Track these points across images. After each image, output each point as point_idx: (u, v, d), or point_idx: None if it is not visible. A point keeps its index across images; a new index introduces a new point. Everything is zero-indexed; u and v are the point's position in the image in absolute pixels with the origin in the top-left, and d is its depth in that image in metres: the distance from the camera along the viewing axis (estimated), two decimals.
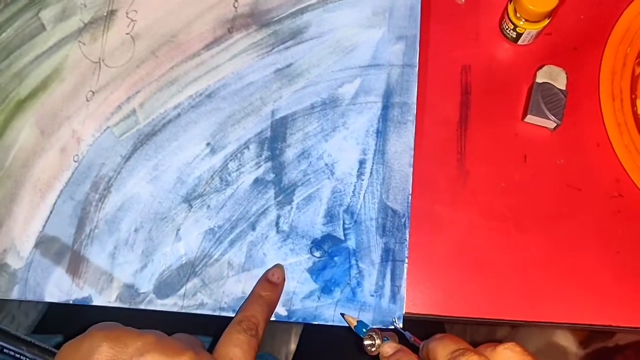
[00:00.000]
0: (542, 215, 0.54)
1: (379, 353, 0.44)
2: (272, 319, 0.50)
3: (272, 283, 0.50)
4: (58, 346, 0.39)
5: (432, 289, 0.53)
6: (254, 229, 0.52)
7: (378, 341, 0.44)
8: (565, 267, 0.52)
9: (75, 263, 0.52)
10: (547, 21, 0.55)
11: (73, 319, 0.52)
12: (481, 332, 1.09)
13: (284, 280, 0.51)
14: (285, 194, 0.53)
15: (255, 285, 0.50)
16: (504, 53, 0.59)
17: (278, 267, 0.51)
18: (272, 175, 0.53)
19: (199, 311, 0.51)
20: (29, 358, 0.43)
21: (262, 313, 0.46)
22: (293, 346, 1.10)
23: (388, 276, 0.51)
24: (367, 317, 0.50)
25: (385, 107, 0.54)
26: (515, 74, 0.58)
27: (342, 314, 0.50)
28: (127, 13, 0.57)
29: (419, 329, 0.46)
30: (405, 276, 0.51)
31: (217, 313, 0.51)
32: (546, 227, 0.54)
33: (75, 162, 0.54)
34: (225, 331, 0.43)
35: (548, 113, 0.55)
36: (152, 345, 0.37)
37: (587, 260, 0.52)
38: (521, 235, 0.54)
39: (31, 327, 0.82)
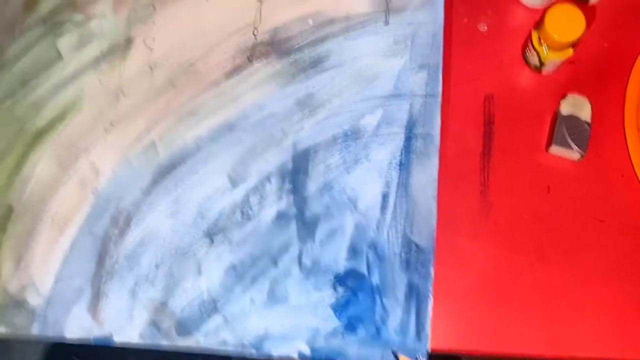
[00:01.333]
0: (566, 247, 0.54)
1: None
2: (295, 357, 0.50)
3: None
4: None
5: (456, 324, 0.52)
6: (276, 264, 0.51)
7: None
8: (590, 300, 0.52)
9: (95, 299, 0.52)
10: (571, 50, 0.54)
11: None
12: None
13: None
14: (307, 228, 0.52)
15: None
16: (527, 81, 0.58)
17: None
18: (294, 209, 0.52)
19: (220, 348, 0.50)
20: None
21: None
22: None
23: (412, 312, 0.50)
24: (390, 355, 0.49)
25: (408, 139, 0.53)
26: (539, 103, 0.57)
27: (394, 353, 0.49)
28: (144, 41, 0.56)
29: None
30: (430, 312, 0.50)
31: (239, 350, 0.50)
32: (570, 259, 0.53)
33: (94, 195, 0.53)
34: None
35: (572, 144, 0.54)
36: None
37: (612, 293, 0.52)
38: (545, 267, 0.53)
39: None
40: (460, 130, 0.56)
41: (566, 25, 0.51)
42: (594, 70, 0.57)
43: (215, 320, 0.51)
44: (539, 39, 0.54)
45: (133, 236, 0.53)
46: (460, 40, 0.59)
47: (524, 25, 0.59)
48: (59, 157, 0.55)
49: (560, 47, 0.53)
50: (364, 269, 0.51)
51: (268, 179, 0.53)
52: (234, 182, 0.53)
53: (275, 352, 0.50)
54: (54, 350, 0.79)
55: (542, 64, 0.56)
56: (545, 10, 0.52)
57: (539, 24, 0.54)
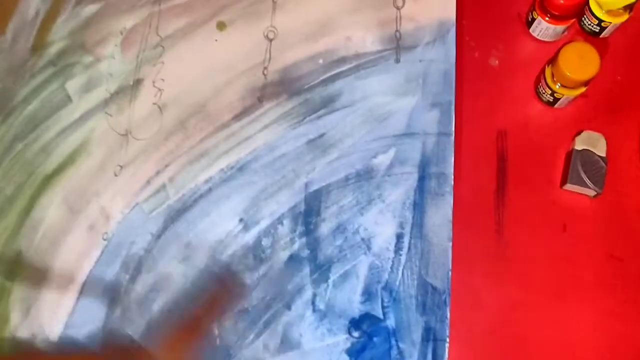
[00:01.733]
0: (585, 287, 0.53)
1: None
2: None
3: None
4: None
5: None
6: (289, 308, 0.51)
7: None
8: (612, 340, 0.51)
9: (107, 347, 0.51)
10: (584, 88, 0.54)
11: None
12: None
13: None
14: (321, 271, 0.51)
15: None
16: (540, 116, 0.57)
17: None
18: (307, 252, 0.51)
19: None
20: None
21: None
22: None
23: (429, 357, 0.49)
24: None
25: (422, 178, 0.52)
26: (552, 139, 0.56)
27: None
28: (154, 82, 0.56)
29: None
30: (447, 356, 0.49)
31: None
32: (590, 298, 0.52)
33: (105, 240, 0.53)
34: None
35: (588, 182, 0.53)
36: None
37: (633, 332, 0.51)
38: (563, 307, 0.52)
39: None
40: (473, 167, 0.56)
41: (580, 64, 0.51)
42: (607, 104, 0.57)
43: None
44: (552, 76, 0.54)
45: (144, 282, 0.52)
46: (471, 75, 0.58)
47: (536, 58, 0.58)
48: (69, 201, 0.54)
49: (574, 85, 0.53)
50: (379, 312, 0.50)
51: (280, 220, 0.52)
52: (246, 225, 0.52)
53: None
54: None
55: (555, 100, 0.55)
56: (558, 49, 0.52)
57: (552, 62, 0.53)
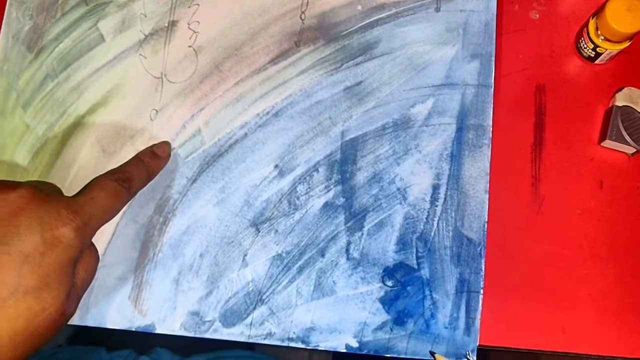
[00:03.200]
0: (619, 244, 0.52)
1: None
2: (343, 350, 0.49)
3: (156, 155, 0.49)
4: None
5: (506, 320, 0.51)
6: (323, 255, 0.50)
7: None
8: None
9: (138, 289, 0.51)
10: (629, 42, 0.52)
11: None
12: None
13: (169, 157, 0.51)
14: (355, 219, 0.51)
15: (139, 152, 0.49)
16: (580, 72, 0.56)
17: (165, 143, 0.51)
18: (342, 200, 0.51)
19: (266, 342, 0.49)
20: None
21: (138, 174, 0.46)
22: None
23: (463, 308, 0.49)
24: (440, 350, 0.49)
25: (460, 130, 0.52)
26: (592, 95, 0.55)
27: (432, 353, 0.48)
28: (189, 24, 0.55)
29: None
30: (480, 308, 0.49)
31: (285, 344, 0.49)
32: (623, 256, 0.52)
33: None
34: (95, 177, 0.43)
35: (628, 138, 0.52)
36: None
37: None
38: (597, 264, 0.52)
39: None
40: (511, 121, 0.55)
41: (628, 16, 0.50)
42: None
43: (261, 311, 0.50)
44: (597, 29, 0.52)
45: (178, 225, 0.52)
46: (511, 28, 0.57)
47: (577, 13, 0.57)
48: (103, 143, 0.53)
49: (619, 39, 0.52)
50: (413, 262, 0.50)
51: (316, 168, 0.52)
52: (281, 172, 0.52)
53: (322, 345, 0.49)
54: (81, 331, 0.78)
55: (597, 55, 0.54)
56: (604, 2, 0.50)
57: (597, 14, 0.52)
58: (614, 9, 0.50)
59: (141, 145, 0.52)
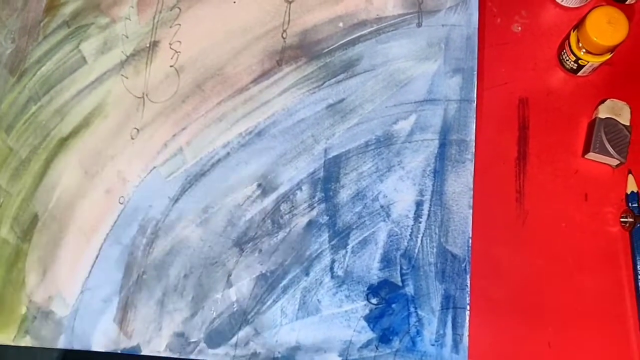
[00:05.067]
0: (606, 257, 0.52)
1: None
2: None
3: None
4: None
5: (492, 335, 0.51)
6: (307, 274, 0.50)
7: None
8: (632, 312, 0.50)
9: (123, 310, 0.50)
10: (610, 54, 0.52)
11: None
12: None
13: None
14: (339, 237, 0.51)
15: None
16: (562, 84, 0.56)
17: None
18: (325, 218, 0.51)
19: None
20: None
21: None
22: None
23: (449, 324, 0.49)
24: None
25: (443, 145, 0.51)
26: (575, 107, 0.55)
27: None
28: (170, 44, 0.55)
29: None
30: (467, 324, 0.49)
31: None
32: (610, 269, 0.52)
33: (121, 204, 0.52)
34: None
35: (612, 151, 0.52)
36: None
37: None
38: (583, 278, 0.52)
39: None
40: (494, 135, 0.55)
41: (609, 29, 0.50)
42: (632, 72, 0.56)
43: (246, 331, 0.50)
44: (578, 42, 0.52)
45: (161, 246, 0.51)
46: (493, 41, 0.57)
47: (559, 25, 0.57)
48: (85, 165, 0.53)
49: (600, 51, 0.52)
50: (398, 280, 0.50)
51: (299, 186, 0.52)
52: (264, 190, 0.52)
53: None
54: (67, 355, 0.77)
55: (579, 67, 0.54)
56: (586, 13, 0.50)
57: (578, 27, 0.52)
58: (594, 22, 0.50)
59: (122, 165, 0.52)
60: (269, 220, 0.51)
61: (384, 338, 0.49)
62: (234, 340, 0.50)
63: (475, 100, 0.52)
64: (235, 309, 0.50)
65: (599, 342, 0.50)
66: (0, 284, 0.51)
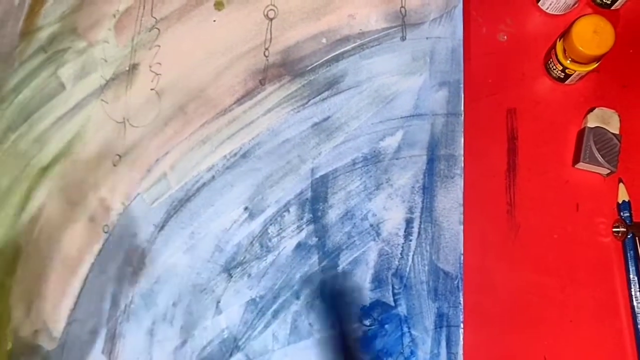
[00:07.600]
0: (599, 268, 0.51)
1: None
2: None
3: None
4: None
5: (487, 352, 0.50)
6: (298, 297, 0.49)
7: None
8: (626, 323, 0.50)
9: (111, 341, 0.49)
10: (597, 63, 0.52)
11: None
12: None
13: None
14: (329, 258, 0.50)
15: None
16: (550, 93, 0.56)
17: None
18: (315, 239, 0.50)
19: None
20: None
21: None
22: None
23: (443, 343, 0.48)
24: None
25: (431, 161, 0.51)
26: (564, 116, 0.55)
27: None
28: (150, 67, 0.53)
29: None
30: (461, 342, 0.48)
31: None
32: (603, 280, 0.51)
33: (106, 232, 0.51)
34: None
35: (602, 160, 0.52)
36: None
37: None
38: (577, 290, 0.51)
39: None
40: (483, 148, 0.54)
41: (595, 38, 0.49)
42: (619, 79, 0.55)
43: (237, 358, 0.49)
44: (564, 51, 0.52)
45: (148, 274, 0.50)
46: (479, 51, 0.56)
47: (545, 33, 0.57)
48: (67, 193, 0.52)
49: (586, 61, 0.51)
50: (390, 300, 0.49)
51: (287, 208, 0.51)
52: (251, 214, 0.51)
53: None
54: None
55: (566, 76, 0.53)
56: (571, 23, 0.50)
57: (564, 36, 0.51)
58: (580, 32, 0.50)
59: (105, 192, 0.51)
60: (257, 244, 0.50)
61: None
62: None
63: (463, 113, 0.52)
64: (225, 336, 0.49)
65: (594, 353, 0.50)
66: None
